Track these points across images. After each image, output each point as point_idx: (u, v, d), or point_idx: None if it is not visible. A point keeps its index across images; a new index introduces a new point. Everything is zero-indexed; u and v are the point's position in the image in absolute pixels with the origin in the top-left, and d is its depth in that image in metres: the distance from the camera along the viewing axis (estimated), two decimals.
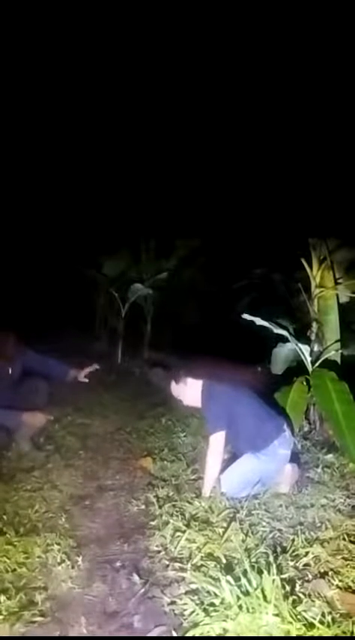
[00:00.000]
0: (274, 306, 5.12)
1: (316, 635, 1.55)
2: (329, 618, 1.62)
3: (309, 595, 1.77)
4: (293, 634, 1.55)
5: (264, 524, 2.38)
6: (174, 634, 1.65)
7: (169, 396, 3.13)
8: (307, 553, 2.09)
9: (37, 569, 2.04)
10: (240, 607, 1.64)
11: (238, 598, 1.68)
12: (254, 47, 5.97)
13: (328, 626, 1.59)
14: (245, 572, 1.81)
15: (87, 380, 3.78)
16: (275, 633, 1.55)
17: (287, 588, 1.76)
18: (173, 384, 3.02)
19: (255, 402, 2.94)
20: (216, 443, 2.77)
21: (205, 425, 2.93)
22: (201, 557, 2.06)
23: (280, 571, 1.87)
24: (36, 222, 7.52)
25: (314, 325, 3.89)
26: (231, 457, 2.95)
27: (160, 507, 2.59)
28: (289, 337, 3.74)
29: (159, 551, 2.19)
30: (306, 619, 1.60)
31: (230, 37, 6.11)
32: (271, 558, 1.98)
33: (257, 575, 1.79)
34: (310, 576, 1.93)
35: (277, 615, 1.59)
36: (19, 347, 3.65)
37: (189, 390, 2.96)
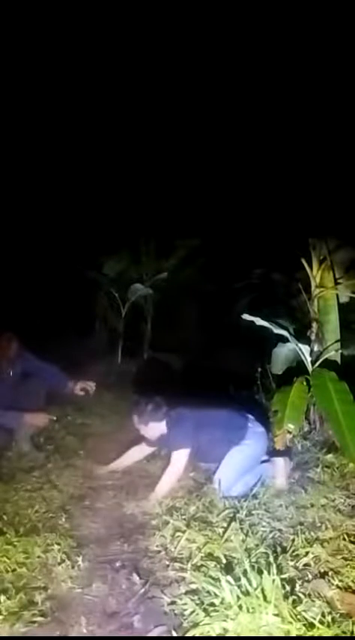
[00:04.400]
0: (274, 306, 5.11)
1: (316, 635, 1.55)
2: (329, 618, 1.62)
3: (309, 595, 1.77)
4: (293, 634, 1.55)
5: (264, 524, 2.38)
6: (174, 634, 1.65)
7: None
8: (307, 553, 2.09)
9: (37, 569, 2.04)
10: (240, 607, 1.64)
11: (238, 598, 1.68)
12: (253, 47, 5.97)
13: (328, 626, 1.59)
14: (245, 572, 1.81)
15: (83, 393, 3.77)
16: (275, 633, 1.55)
17: (287, 588, 1.76)
18: (137, 421, 2.98)
19: (218, 409, 3.04)
20: (178, 461, 2.79)
21: (168, 442, 2.93)
22: (201, 557, 2.06)
23: (280, 571, 1.87)
24: (36, 222, 7.51)
25: (314, 325, 3.88)
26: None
27: (160, 507, 2.59)
28: (289, 337, 3.74)
29: (159, 551, 2.19)
30: (306, 619, 1.60)
31: (230, 37, 6.11)
32: (271, 558, 1.99)
33: (257, 575, 1.79)
34: (310, 576, 1.93)
35: (277, 615, 1.59)
36: (20, 349, 3.65)
37: (155, 430, 2.96)
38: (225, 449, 2.89)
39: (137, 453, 3.19)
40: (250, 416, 3.07)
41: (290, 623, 1.57)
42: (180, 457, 2.79)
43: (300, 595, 1.75)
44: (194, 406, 2.99)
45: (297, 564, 2.01)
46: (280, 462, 2.94)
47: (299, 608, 1.66)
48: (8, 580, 1.96)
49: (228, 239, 7.28)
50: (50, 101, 6.79)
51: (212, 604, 1.71)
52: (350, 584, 1.88)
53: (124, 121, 6.99)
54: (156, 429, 2.94)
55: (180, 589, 1.88)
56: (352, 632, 1.58)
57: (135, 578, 2.01)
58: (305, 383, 3.49)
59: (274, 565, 1.87)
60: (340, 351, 3.85)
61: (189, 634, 1.60)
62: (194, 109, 6.72)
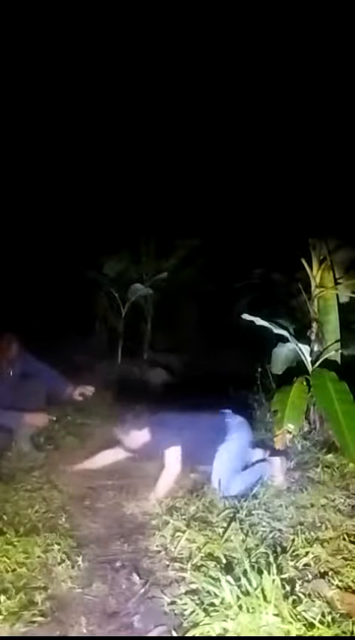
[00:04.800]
0: (274, 306, 5.11)
1: (316, 635, 1.55)
2: (329, 618, 1.62)
3: (309, 595, 1.77)
4: (293, 634, 1.55)
5: (264, 524, 2.38)
6: (174, 634, 1.65)
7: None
8: (307, 553, 2.09)
9: (37, 569, 2.04)
10: (240, 607, 1.64)
11: (238, 598, 1.68)
12: (253, 47, 5.97)
13: (328, 626, 1.59)
14: (245, 572, 1.81)
15: (81, 398, 3.77)
16: (275, 633, 1.55)
17: (287, 588, 1.76)
18: (121, 433, 2.98)
19: (197, 412, 3.09)
20: (172, 458, 2.80)
21: (157, 445, 2.92)
22: (201, 557, 2.06)
23: (280, 571, 1.87)
24: (36, 222, 7.51)
25: (314, 325, 3.88)
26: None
27: (160, 507, 2.59)
28: (289, 337, 3.74)
29: (159, 551, 2.19)
30: (306, 619, 1.60)
31: (230, 37, 6.11)
32: (271, 558, 1.98)
33: (257, 575, 1.79)
34: (310, 576, 1.93)
35: (277, 615, 1.59)
36: (20, 350, 3.65)
37: (138, 439, 2.96)
38: (213, 449, 2.91)
39: (111, 456, 3.18)
40: (227, 410, 3.12)
41: (290, 623, 1.57)
42: (172, 454, 2.80)
43: (300, 595, 1.75)
44: (175, 411, 3.05)
45: (297, 564, 2.01)
46: (277, 461, 2.98)
47: (299, 608, 1.66)
48: (8, 580, 1.95)
49: (227, 239, 7.28)
50: (50, 101, 6.79)
51: (212, 604, 1.71)
52: (350, 584, 1.88)
53: (124, 122, 6.99)
54: (138, 437, 2.93)
55: (180, 589, 1.88)
56: (352, 632, 1.58)
57: (135, 578, 2.01)
58: (305, 383, 3.49)
59: (274, 565, 1.86)
60: (340, 351, 3.86)
61: (189, 634, 1.60)
62: (194, 109, 6.72)
